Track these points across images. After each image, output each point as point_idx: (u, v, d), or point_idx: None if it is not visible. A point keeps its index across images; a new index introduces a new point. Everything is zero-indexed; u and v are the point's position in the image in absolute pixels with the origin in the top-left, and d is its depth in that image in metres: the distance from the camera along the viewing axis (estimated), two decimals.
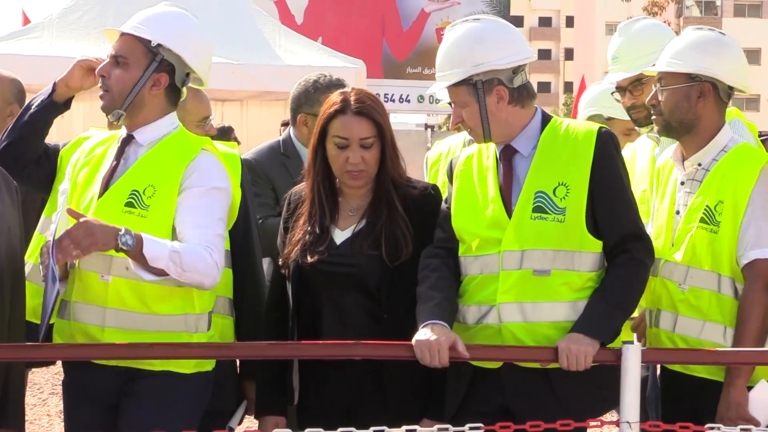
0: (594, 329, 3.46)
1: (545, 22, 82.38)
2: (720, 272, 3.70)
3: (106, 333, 3.58)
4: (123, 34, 3.68)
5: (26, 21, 15.27)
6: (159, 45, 3.63)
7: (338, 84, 4.69)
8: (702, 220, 3.72)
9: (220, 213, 3.61)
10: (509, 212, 3.58)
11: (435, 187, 3.86)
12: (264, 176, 4.73)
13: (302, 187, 3.86)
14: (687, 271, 3.73)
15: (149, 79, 3.64)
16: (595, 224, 3.56)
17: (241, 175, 3.95)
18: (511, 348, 3.53)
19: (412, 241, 3.68)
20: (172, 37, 3.65)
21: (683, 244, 3.74)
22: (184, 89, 3.79)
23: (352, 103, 3.68)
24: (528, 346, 3.53)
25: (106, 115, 3.74)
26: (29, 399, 7.61)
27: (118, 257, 3.53)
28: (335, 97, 3.73)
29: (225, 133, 9.87)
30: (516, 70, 3.61)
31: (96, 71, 3.73)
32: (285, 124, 11.73)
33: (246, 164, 4.71)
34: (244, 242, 3.92)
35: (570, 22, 77.75)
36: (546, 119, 3.68)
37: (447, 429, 3.47)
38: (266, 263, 4.24)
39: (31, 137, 4.04)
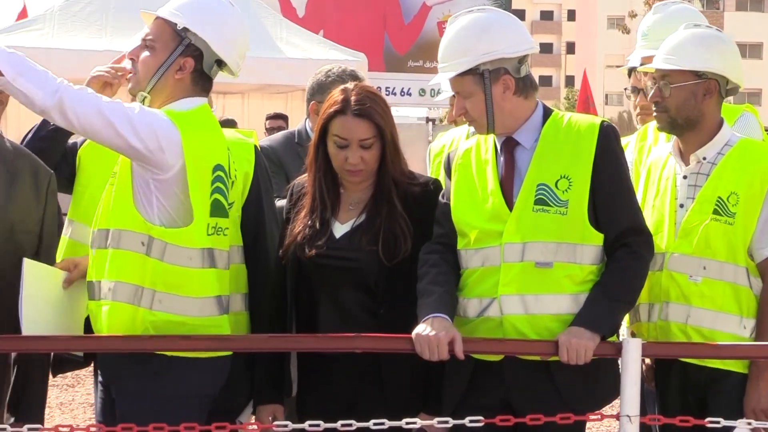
0: (594, 323, 3.47)
1: (547, 15, 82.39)
2: (736, 263, 3.72)
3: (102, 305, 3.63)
4: (156, 18, 3.68)
5: (25, 14, 15.26)
6: (185, 29, 3.62)
7: (351, 75, 4.69)
8: (715, 212, 3.74)
9: (129, 112, 3.50)
10: (510, 205, 3.59)
11: (436, 183, 3.86)
12: (278, 162, 4.76)
13: (304, 179, 3.86)
14: (699, 262, 3.74)
15: (174, 63, 3.63)
16: (596, 217, 3.57)
17: (255, 162, 3.93)
18: (512, 341, 3.53)
19: (411, 238, 3.68)
20: (200, 22, 3.62)
21: (695, 236, 3.75)
22: None
23: (353, 103, 3.67)
24: (528, 340, 3.53)
25: (134, 97, 3.75)
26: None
27: (113, 229, 3.56)
28: (337, 96, 3.72)
29: (227, 126, 9.88)
30: (521, 60, 3.62)
31: (126, 55, 3.74)
32: (269, 117, 11.76)
33: (261, 151, 4.74)
34: (256, 233, 3.86)
35: (572, 15, 77.78)
36: (547, 112, 3.69)
37: (447, 422, 3.48)
38: None
39: (49, 151, 4.13)
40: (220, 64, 3.72)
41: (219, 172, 3.65)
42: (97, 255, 3.60)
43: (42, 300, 3.68)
